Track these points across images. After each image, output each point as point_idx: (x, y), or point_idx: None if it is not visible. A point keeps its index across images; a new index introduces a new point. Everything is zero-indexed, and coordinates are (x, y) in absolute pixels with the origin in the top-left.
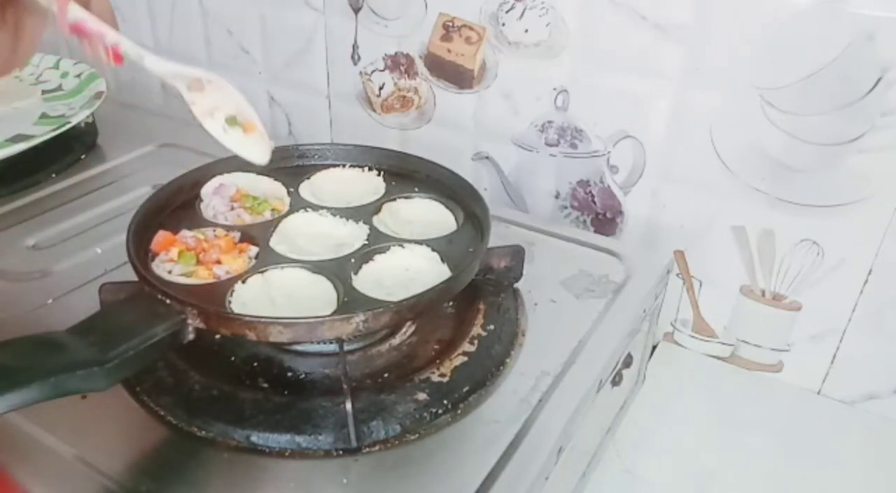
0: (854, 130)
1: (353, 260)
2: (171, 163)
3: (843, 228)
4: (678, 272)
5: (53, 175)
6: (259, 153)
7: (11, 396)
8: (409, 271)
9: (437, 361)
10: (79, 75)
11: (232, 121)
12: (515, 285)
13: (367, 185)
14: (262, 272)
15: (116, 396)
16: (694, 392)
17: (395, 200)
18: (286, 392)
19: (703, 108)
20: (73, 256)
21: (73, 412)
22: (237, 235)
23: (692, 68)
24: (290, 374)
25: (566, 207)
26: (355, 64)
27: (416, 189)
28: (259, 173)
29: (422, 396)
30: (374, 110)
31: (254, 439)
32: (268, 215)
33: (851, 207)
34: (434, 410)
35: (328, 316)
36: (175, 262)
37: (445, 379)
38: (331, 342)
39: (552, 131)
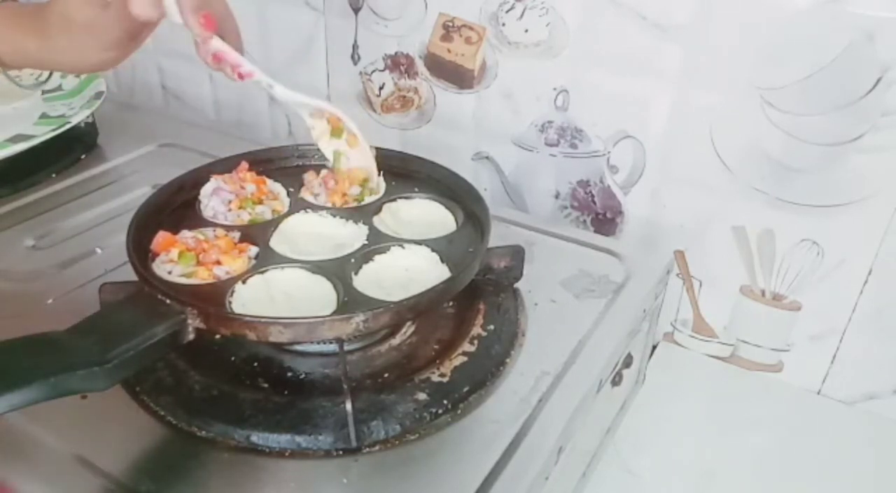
0: (854, 130)
1: (353, 260)
2: (171, 163)
3: (843, 228)
4: (678, 272)
5: (53, 175)
6: (365, 161)
7: (11, 396)
8: (408, 272)
9: (437, 361)
10: (79, 75)
11: (338, 133)
12: (515, 285)
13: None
14: (262, 272)
15: (116, 396)
16: (694, 392)
17: (395, 200)
18: (286, 392)
19: (703, 108)
20: (73, 256)
21: (73, 412)
22: (237, 235)
23: (692, 68)
24: (290, 374)
25: (566, 207)
26: (355, 64)
27: (416, 189)
28: (259, 173)
29: (422, 396)
30: (374, 110)
31: (254, 439)
32: (268, 215)
33: (851, 207)
34: (434, 410)
35: (328, 316)
36: (175, 262)
37: (445, 379)
38: (331, 342)
39: (552, 131)
